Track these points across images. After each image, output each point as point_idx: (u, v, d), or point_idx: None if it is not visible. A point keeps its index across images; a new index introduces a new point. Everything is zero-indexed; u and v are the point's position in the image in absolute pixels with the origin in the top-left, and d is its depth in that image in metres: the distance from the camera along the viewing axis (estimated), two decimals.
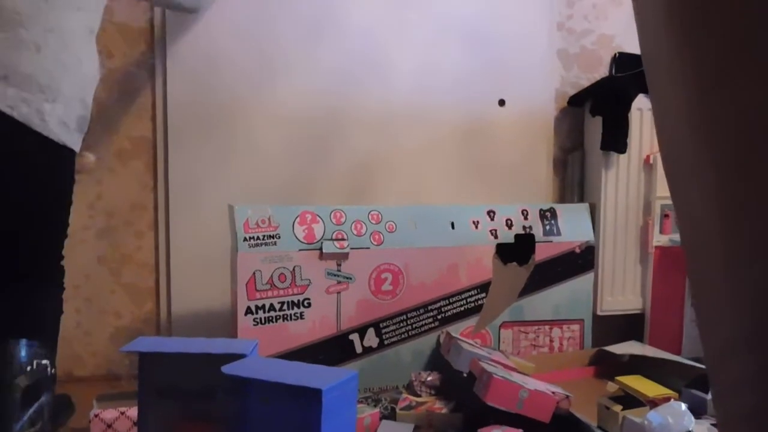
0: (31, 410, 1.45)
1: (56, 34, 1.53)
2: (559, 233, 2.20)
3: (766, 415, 0.28)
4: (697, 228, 0.31)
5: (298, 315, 1.94)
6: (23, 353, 1.46)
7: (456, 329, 2.10)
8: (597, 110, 2.33)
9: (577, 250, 2.22)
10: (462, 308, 2.12)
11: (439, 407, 1.76)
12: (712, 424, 1.55)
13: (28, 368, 1.46)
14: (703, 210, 0.30)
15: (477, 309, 2.13)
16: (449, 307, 2.10)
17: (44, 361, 1.50)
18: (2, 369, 1.43)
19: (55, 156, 1.56)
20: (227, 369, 0.86)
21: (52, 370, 1.53)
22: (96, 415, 1.57)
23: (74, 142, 1.60)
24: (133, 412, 1.56)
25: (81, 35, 1.60)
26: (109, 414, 1.58)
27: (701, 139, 0.30)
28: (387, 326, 2.04)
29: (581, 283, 2.22)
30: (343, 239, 1.97)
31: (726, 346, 0.30)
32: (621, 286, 2.33)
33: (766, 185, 0.27)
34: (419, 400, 1.82)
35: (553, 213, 2.22)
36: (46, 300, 1.63)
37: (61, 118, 1.54)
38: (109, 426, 1.57)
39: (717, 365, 0.31)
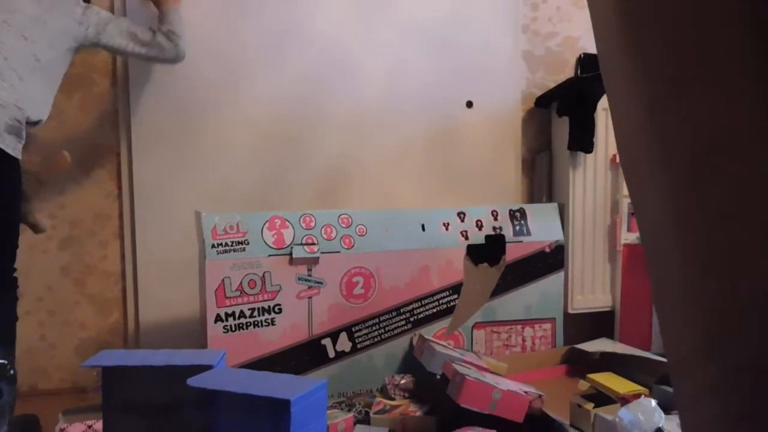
0: None
1: None
2: (529, 233, 2.22)
3: (728, 423, 0.28)
4: (654, 237, 0.31)
5: (269, 321, 1.91)
6: None
7: (429, 331, 2.10)
8: (563, 111, 2.35)
9: (547, 250, 2.23)
10: (434, 310, 2.12)
11: (413, 410, 1.75)
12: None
13: None
14: (658, 220, 0.30)
15: (449, 311, 2.13)
16: (421, 309, 2.10)
17: (1, 361, 1.46)
18: None
19: None
20: (193, 381, 0.84)
21: (12, 371, 1.49)
22: (62, 430, 1.53)
23: (6, 143, 1.56)
24: (100, 425, 1.52)
25: (25, 59, 1.61)
26: (76, 428, 1.54)
27: (654, 148, 0.30)
28: (359, 330, 2.03)
29: (552, 282, 2.24)
30: (313, 244, 1.95)
31: (687, 356, 0.30)
32: (591, 285, 2.35)
33: (712, 201, 0.27)
34: (393, 403, 1.81)
35: (522, 213, 2.24)
36: (2, 305, 1.59)
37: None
38: None
39: (680, 374, 0.31)
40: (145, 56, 1.93)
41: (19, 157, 1.62)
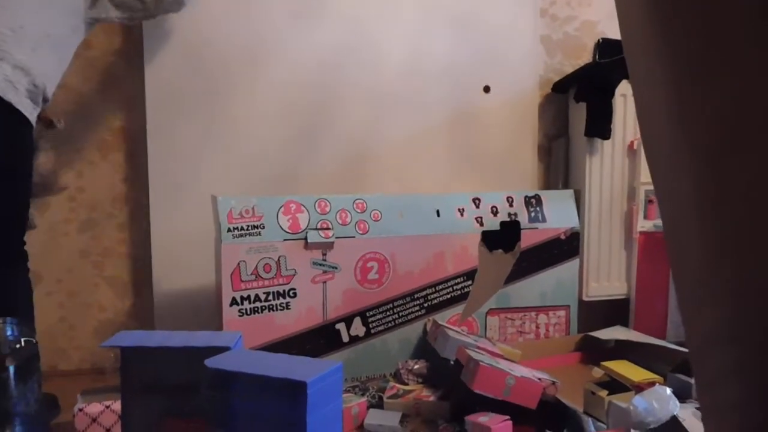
0: (27, 389, 1.43)
1: (10, 12, 1.54)
2: (544, 220, 2.21)
3: (750, 406, 0.28)
4: (675, 219, 0.31)
5: (284, 305, 1.93)
6: (9, 332, 1.44)
7: (443, 317, 2.10)
8: (581, 97, 2.33)
9: (563, 237, 2.23)
10: (448, 296, 2.12)
11: (427, 395, 1.76)
12: (697, 408, 1.56)
13: (17, 346, 1.43)
14: (680, 202, 0.31)
15: (463, 297, 2.14)
16: (435, 295, 2.10)
17: (31, 339, 1.48)
18: None
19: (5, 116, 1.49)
20: (210, 362, 0.85)
21: (36, 349, 1.51)
22: (80, 410, 1.56)
23: (24, 105, 1.53)
24: (118, 405, 1.54)
25: (38, 32, 1.59)
26: (94, 408, 1.56)
27: (678, 135, 0.30)
28: (373, 315, 2.04)
29: (567, 269, 2.23)
30: (328, 228, 1.95)
31: (707, 337, 0.30)
32: (606, 272, 2.34)
33: (735, 182, 0.27)
34: (406, 388, 1.82)
35: (538, 200, 2.23)
36: (16, 278, 1.59)
37: (8, 77, 1.49)
38: (94, 420, 1.55)
39: (700, 356, 0.31)
40: (148, 16, 1.91)
41: (34, 124, 1.60)
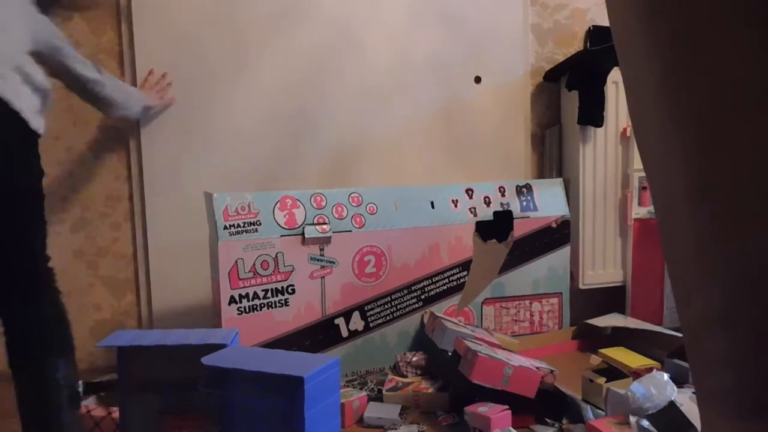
0: None
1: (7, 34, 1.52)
2: (535, 209, 2.22)
3: (744, 391, 0.28)
4: (667, 205, 0.31)
5: (283, 302, 1.93)
6: (59, 375, 1.37)
7: (439, 308, 2.11)
8: (573, 85, 2.33)
9: (554, 225, 2.23)
10: (445, 287, 2.12)
11: (426, 387, 1.76)
12: (694, 393, 1.57)
13: (66, 392, 1.37)
14: (672, 186, 0.30)
15: (459, 287, 2.14)
16: (432, 286, 2.11)
17: (76, 381, 1.42)
18: (45, 399, 1.33)
19: (24, 134, 1.47)
20: (207, 360, 0.85)
21: (80, 388, 1.45)
22: None
23: (37, 124, 1.51)
24: (96, 412, 1.51)
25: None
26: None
27: (667, 122, 0.30)
28: (372, 309, 2.04)
29: (558, 257, 2.25)
30: (324, 223, 1.95)
31: (700, 324, 0.30)
32: (602, 260, 2.34)
33: (726, 171, 0.27)
34: (405, 380, 1.83)
35: (528, 189, 2.23)
36: (41, 308, 1.50)
37: (31, 101, 1.48)
38: None
39: (693, 343, 0.31)
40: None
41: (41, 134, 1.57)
